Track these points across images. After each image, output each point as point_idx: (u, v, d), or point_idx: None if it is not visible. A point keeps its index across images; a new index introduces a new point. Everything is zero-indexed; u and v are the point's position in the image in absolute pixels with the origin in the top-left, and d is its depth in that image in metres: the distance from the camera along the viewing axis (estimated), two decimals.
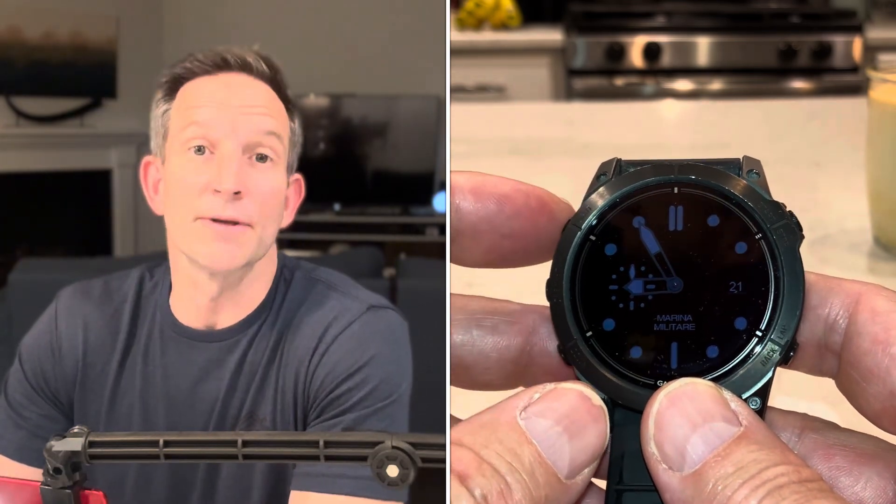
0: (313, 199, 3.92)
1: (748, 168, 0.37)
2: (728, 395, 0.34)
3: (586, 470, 0.33)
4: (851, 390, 0.35)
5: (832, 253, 1.02)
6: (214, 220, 0.78)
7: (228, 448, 0.53)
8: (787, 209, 0.36)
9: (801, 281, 0.35)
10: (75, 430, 0.56)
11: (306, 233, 3.78)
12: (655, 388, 0.34)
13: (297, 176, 0.87)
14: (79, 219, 4.16)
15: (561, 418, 0.33)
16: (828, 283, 0.36)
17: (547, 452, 0.32)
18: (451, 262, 0.39)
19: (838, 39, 3.54)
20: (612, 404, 0.36)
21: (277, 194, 0.82)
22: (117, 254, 4.16)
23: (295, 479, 0.79)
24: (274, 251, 0.86)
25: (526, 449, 0.32)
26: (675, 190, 0.36)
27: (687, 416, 0.33)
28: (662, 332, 0.36)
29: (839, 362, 0.36)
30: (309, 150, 4.04)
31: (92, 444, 0.55)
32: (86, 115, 4.13)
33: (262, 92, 0.83)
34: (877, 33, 3.61)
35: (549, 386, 0.35)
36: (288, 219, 0.86)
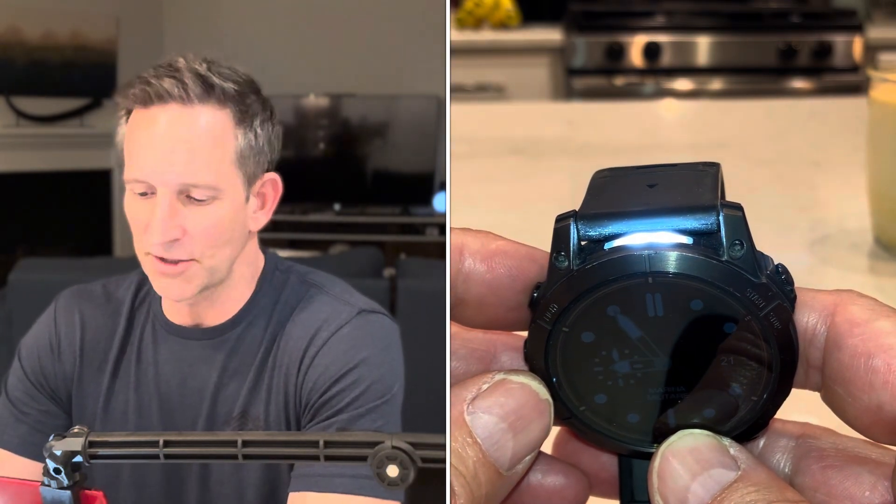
0: (313, 199, 3.93)
1: (730, 234, 0.34)
2: (727, 441, 0.35)
3: (527, 458, 0.35)
4: (838, 405, 0.35)
5: (832, 253, 1.02)
6: (158, 258, 0.79)
7: (228, 448, 0.53)
8: (780, 269, 0.35)
9: (796, 351, 0.35)
10: (75, 430, 0.56)
11: (306, 233, 3.78)
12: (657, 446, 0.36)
13: (272, 176, 0.85)
14: (79, 219, 4.16)
15: (507, 415, 0.34)
16: (802, 296, 0.35)
17: (490, 450, 0.34)
18: (449, 319, 0.38)
19: (838, 39, 3.54)
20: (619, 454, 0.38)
21: (221, 226, 0.80)
22: (117, 254, 4.16)
23: (293, 481, 0.79)
24: (252, 253, 0.86)
25: (470, 451, 0.34)
26: (650, 280, 0.34)
27: (686, 467, 0.34)
28: (657, 401, 0.36)
29: (822, 377, 0.36)
30: (309, 150, 4.04)
31: (92, 444, 0.55)
32: (86, 115, 4.12)
33: (193, 125, 0.79)
34: (877, 33, 3.60)
35: (498, 376, 0.35)
36: (264, 219, 0.85)
